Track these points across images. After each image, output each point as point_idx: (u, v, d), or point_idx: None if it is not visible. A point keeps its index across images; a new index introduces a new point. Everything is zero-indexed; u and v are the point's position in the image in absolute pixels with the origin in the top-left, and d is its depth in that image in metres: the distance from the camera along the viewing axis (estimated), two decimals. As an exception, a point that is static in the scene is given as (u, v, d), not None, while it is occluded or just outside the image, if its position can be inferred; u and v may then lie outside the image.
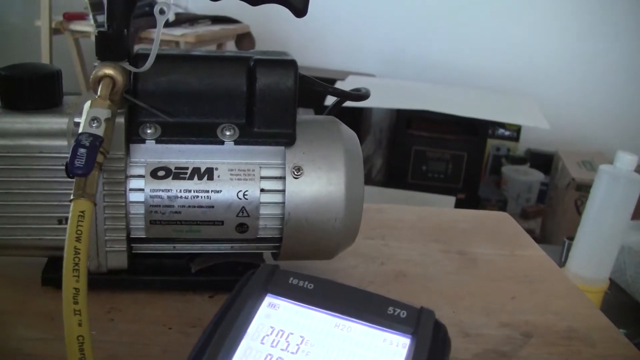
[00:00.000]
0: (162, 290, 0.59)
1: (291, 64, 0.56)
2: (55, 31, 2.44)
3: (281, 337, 0.40)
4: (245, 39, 2.86)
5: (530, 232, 2.84)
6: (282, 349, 0.39)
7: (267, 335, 0.40)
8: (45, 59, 2.38)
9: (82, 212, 0.43)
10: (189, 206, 0.54)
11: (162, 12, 0.48)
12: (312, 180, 0.55)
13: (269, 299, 0.42)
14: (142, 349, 0.52)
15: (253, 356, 0.38)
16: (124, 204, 0.53)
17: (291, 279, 0.43)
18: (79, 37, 2.54)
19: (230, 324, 0.40)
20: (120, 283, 0.58)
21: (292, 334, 0.40)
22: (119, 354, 0.51)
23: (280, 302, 0.42)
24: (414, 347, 0.39)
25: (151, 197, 0.53)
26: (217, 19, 2.75)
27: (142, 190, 0.53)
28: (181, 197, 0.53)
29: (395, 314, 0.42)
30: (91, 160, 0.45)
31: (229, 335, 0.39)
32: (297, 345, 0.40)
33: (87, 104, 0.48)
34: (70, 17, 2.48)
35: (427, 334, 0.40)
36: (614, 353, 0.59)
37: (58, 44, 2.49)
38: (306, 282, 0.43)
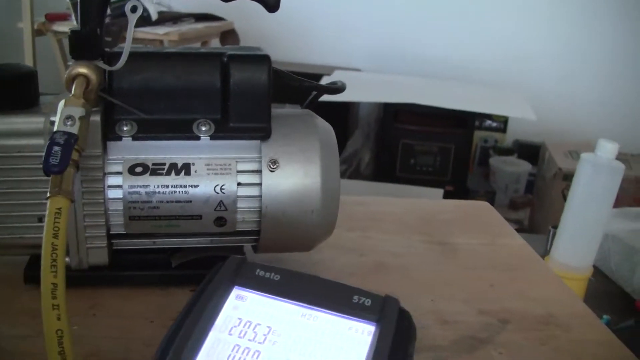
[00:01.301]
0: (144, 285, 0.60)
1: (264, 58, 0.56)
2: (38, 32, 2.44)
3: (249, 328, 0.41)
4: (229, 36, 2.86)
5: (518, 222, 2.87)
6: (249, 340, 0.40)
7: (235, 327, 0.41)
8: (28, 61, 2.37)
9: (59, 208, 0.44)
10: (167, 201, 0.54)
11: (133, 10, 0.49)
12: (288, 173, 0.56)
13: (236, 291, 0.43)
14: (124, 342, 0.53)
15: (221, 347, 0.39)
16: (102, 200, 0.54)
17: (258, 270, 0.44)
18: (62, 38, 2.54)
19: (198, 316, 0.40)
20: (102, 279, 0.59)
21: (259, 324, 0.41)
22: (101, 349, 0.51)
23: (247, 293, 0.43)
24: (378, 334, 0.40)
25: (129, 193, 0.54)
26: (200, 17, 2.74)
27: (120, 186, 0.54)
28: (159, 192, 0.54)
29: (360, 302, 0.43)
30: (66, 158, 0.45)
31: (197, 327, 0.40)
32: (265, 335, 0.40)
33: (62, 103, 0.49)
34: (52, 17, 2.47)
35: (391, 321, 0.41)
36: (589, 338, 0.60)
37: (41, 45, 2.48)
38: (273, 274, 0.44)
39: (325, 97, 0.64)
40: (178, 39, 2.35)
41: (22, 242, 0.55)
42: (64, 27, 2.45)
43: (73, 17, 1.93)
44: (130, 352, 0.52)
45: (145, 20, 2.28)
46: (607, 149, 1.22)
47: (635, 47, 3.26)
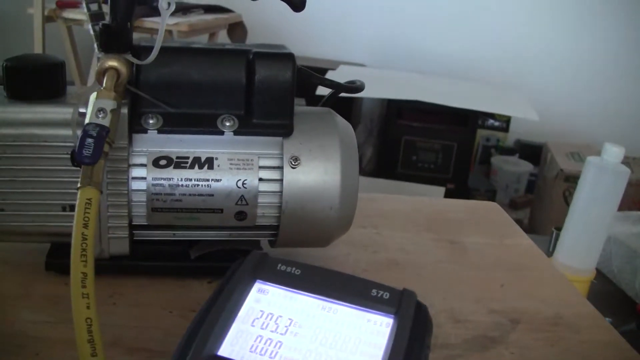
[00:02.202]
0: (163, 275, 0.61)
1: (289, 57, 0.57)
2: (47, 19, 2.44)
3: (270, 319, 0.42)
4: (237, 28, 2.86)
5: (518, 222, 2.86)
6: (271, 331, 0.41)
7: (257, 319, 0.42)
8: (37, 47, 2.38)
9: (89, 199, 0.45)
10: (190, 194, 0.55)
11: (167, 5, 0.50)
12: (309, 170, 0.57)
13: (258, 285, 0.44)
14: (144, 331, 0.54)
15: (244, 338, 0.40)
16: (126, 192, 0.55)
17: (279, 265, 0.45)
18: (72, 25, 2.54)
19: (221, 309, 0.41)
20: (122, 268, 0.60)
21: (280, 316, 0.42)
22: (122, 337, 0.52)
23: (269, 287, 0.44)
24: (396, 327, 0.42)
25: (153, 185, 0.55)
26: (209, 8, 2.75)
27: (144, 178, 0.55)
28: (182, 185, 0.55)
29: (379, 295, 0.44)
30: (98, 150, 0.46)
31: (220, 318, 0.41)
32: (286, 327, 0.42)
33: (93, 95, 0.50)
34: (63, 4, 2.48)
35: (409, 313, 0.43)
36: (598, 339, 0.61)
37: (50, 32, 2.49)
38: (293, 268, 0.45)
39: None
40: (187, 30, 2.36)
41: (44, 230, 0.56)
42: (74, 14, 2.45)
43: (84, 4, 1.93)
44: (151, 341, 0.53)
45: (155, 10, 2.28)
46: (613, 153, 1.23)
47: (639, 49, 3.27)
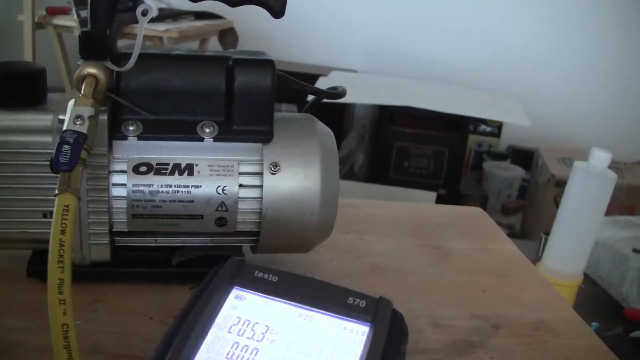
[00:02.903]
0: (144, 281, 0.61)
1: (269, 63, 0.57)
2: (38, 25, 2.44)
3: (247, 326, 0.42)
4: (228, 34, 2.86)
5: (510, 227, 2.88)
6: (248, 338, 0.41)
7: (234, 325, 0.42)
8: (27, 54, 2.38)
9: (67, 206, 0.45)
10: (170, 200, 0.55)
11: (144, 13, 0.50)
12: (289, 176, 0.57)
13: (235, 291, 0.45)
14: (124, 338, 0.54)
15: (220, 344, 0.41)
16: (106, 198, 0.55)
17: (256, 272, 0.46)
18: (62, 32, 2.54)
19: (198, 315, 0.42)
20: (103, 275, 0.60)
21: (257, 323, 0.43)
22: (102, 343, 0.52)
23: (246, 294, 0.45)
24: (372, 335, 0.42)
25: (133, 191, 0.55)
26: (200, 15, 2.75)
27: (124, 185, 0.55)
28: (162, 191, 0.55)
29: (355, 303, 0.44)
30: (75, 157, 0.46)
31: (197, 325, 0.41)
32: (263, 334, 0.42)
33: (71, 103, 0.50)
34: (53, 11, 2.48)
35: (384, 321, 0.43)
36: (579, 344, 0.61)
37: (41, 39, 2.49)
38: (271, 275, 0.45)
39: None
40: (177, 36, 2.36)
41: (25, 237, 0.56)
42: (64, 21, 2.46)
43: (74, 11, 1.93)
44: (130, 347, 0.53)
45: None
46: (600, 158, 1.23)
47: (631, 55, 3.28)
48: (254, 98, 0.57)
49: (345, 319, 0.43)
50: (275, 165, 0.57)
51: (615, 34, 3.25)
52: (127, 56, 0.53)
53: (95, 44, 0.52)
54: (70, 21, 2.44)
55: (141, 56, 0.53)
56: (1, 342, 0.51)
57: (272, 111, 0.58)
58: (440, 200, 2.72)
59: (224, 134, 0.57)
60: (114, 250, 0.58)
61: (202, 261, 0.61)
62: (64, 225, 0.44)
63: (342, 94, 0.64)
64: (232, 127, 0.57)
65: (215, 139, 0.57)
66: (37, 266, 0.59)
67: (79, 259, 0.57)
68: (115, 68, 0.53)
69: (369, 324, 0.43)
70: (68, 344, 0.41)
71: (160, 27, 2.38)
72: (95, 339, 0.53)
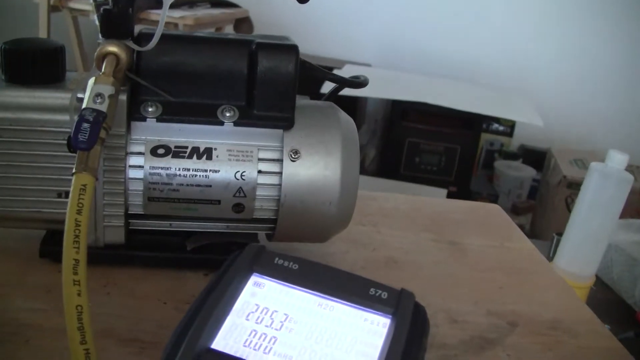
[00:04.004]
0: (158, 266, 0.60)
1: (292, 48, 0.56)
2: (53, 8, 2.44)
3: (266, 314, 0.41)
4: (243, 23, 2.85)
5: (520, 227, 2.86)
6: (266, 326, 0.40)
7: (252, 312, 0.41)
8: (42, 36, 2.37)
9: (84, 185, 0.44)
10: (187, 184, 0.54)
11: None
12: (309, 164, 0.56)
13: (254, 278, 0.44)
14: (137, 322, 0.53)
15: (238, 332, 0.40)
16: (123, 180, 0.54)
17: (277, 259, 0.45)
18: (77, 15, 2.53)
19: (216, 301, 0.41)
20: (117, 258, 0.59)
21: (276, 311, 0.42)
22: (114, 327, 0.52)
23: (265, 281, 0.44)
24: (393, 327, 0.41)
25: (150, 174, 0.54)
26: (216, 3, 2.74)
27: (141, 167, 0.54)
28: (180, 175, 0.54)
29: (377, 295, 0.43)
30: (94, 135, 0.45)
31: (215, 311, 0.40)
32: (281, 322, 0.41)
33: (91, 80, 0.49)
34: (69, -6, 2.47)
35: (406, 314, 0.42)
36: (596, 345, 0.60)
37: (56, 21, 2.48)
38: (291, 263, 0.44)
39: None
40: (193, 24, 2.35)
41: (39, 217, 0.56)
42: (80, 5, 2.45)
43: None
44: (143, 332, 0.52)
45: (160, 3, 2.28)
46: (617, 160, 1.22)
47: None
48: (277, 83, 0.56)
49: (367, 310, 0.42)
50: (296, 152, 0.56)
51: (631, 33, 3.23)
52: (148, 36, 0.52)
53: (117, 23, 0.52)
54: (85, 5, 2.42)
55: (163, 37, 0.52)
56: (13, 322, 0.51)
57: (294, 97, 0.57)
58: (450, 197, 2.70)
59: (245, 119, 0.56)
60: (128, 233, 0.58)
61: (216, 248, 0.60)
62: (80, 205, 0.43)
63: (364, 83, 0.63)
64: (252, 112, 0.56)
65: (236, 124, 0.56)
66: (50, 247, 0.58)
67: (92, 240, 0.56)
68: (137, 47, 0.52)
69: (390, 316, 0.42)
70: (82, 326, 0.40)
71: (176, 13, 2.37)
72: (107, 323, 0.52)
